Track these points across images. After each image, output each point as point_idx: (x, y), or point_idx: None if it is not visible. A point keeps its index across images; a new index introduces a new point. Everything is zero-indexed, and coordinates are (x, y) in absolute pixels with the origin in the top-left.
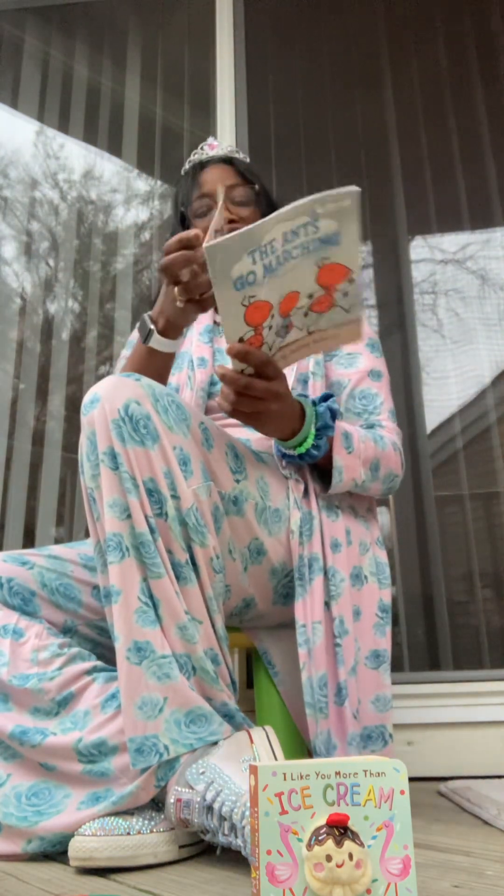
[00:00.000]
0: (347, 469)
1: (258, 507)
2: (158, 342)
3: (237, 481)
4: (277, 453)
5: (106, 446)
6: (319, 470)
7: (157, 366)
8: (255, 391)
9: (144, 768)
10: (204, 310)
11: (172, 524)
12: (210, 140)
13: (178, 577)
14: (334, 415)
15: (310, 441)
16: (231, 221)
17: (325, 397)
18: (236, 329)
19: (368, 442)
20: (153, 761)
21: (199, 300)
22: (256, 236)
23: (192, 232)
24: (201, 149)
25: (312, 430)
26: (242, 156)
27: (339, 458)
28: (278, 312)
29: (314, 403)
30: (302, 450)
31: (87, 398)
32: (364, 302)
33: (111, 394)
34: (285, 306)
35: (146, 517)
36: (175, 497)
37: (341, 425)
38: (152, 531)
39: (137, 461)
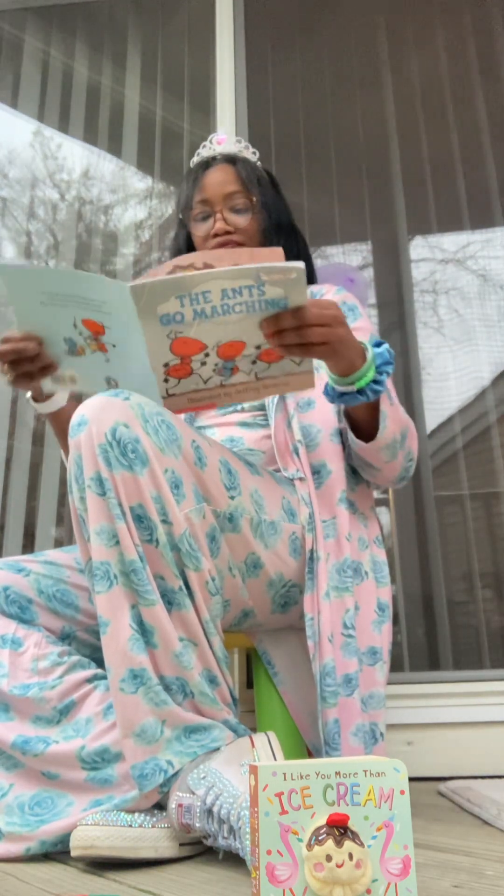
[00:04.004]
0: (391, 419)
1: (253, 521)
2: (35, 407)
3: (232, 497)
4: (329, 395)
5: (93, 472)
6: (353, 426)
7: (60, 423)
8: (311, 319)
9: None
10: (35, 380)
11: (164, 550)
12: (219, 134)
13: (171, 604)
14: (391, 356)
15: (371, 374)
16: (227, 233)
17: (379, 343)
18: (160, 354)
19: (399, 407)
20: (159, 780)
21: (30, 374)
22: (186, 284)
23: (22, 344)
24: (210, 141)
25: (374, 366)
26: (252, 151)
27: (385, 406)
28: (215, 353)
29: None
30: (363, 383)
31: (74, 419)
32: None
33: (98, 416)
34: (227, 351)
35: (135, 545)
36: (166, 522)
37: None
38: (141, 558)
39: (125, 487)
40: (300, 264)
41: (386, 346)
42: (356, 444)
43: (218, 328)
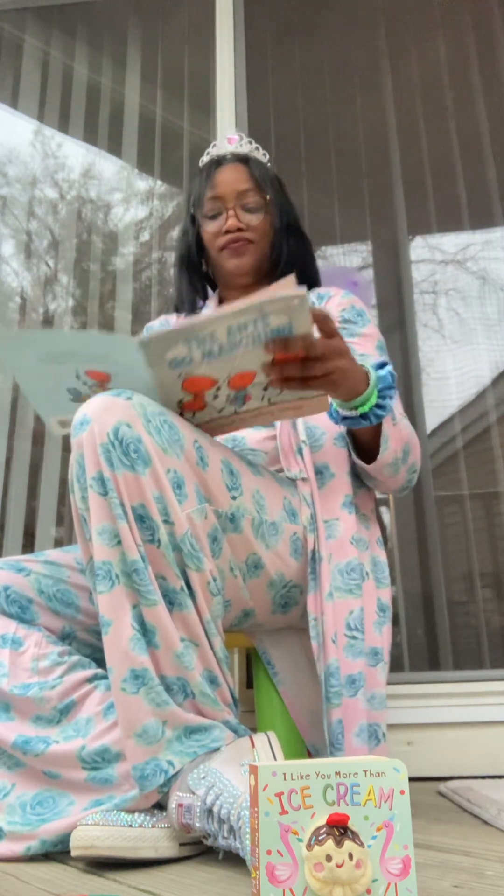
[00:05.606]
0: (393, 440)
1: (255, 522)
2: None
3: (233, 498)
4: (334, 417)
5: (95, 471)
6: (356, 444)
7: None
8: (316, 350)
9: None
10: None
11: (166, 550)
12: (230, 133)
13: (172, 604)
14: (394, 379)
15: (374, 399)
16: (239, 230)
17: (382, 364)
18: (172, 394)
19: (403, 421)
20: (160, 781)
21: None
22: (193, 330)
23: None
24: (221, 140)
25: (376, 391)
26: (262, 152)
27: (387, 427)
28: (226, 385)
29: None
30: (365, 409)
31: (76, 418)
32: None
33: (101, 416)
34: (237, 382)
35: (137, 545)
36: (168, 523)
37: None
38: (143, 558)
39: (127, 487)
40: (302, 291)
41: (389, 368)
42: (358, 463)
43: (227, 363)
